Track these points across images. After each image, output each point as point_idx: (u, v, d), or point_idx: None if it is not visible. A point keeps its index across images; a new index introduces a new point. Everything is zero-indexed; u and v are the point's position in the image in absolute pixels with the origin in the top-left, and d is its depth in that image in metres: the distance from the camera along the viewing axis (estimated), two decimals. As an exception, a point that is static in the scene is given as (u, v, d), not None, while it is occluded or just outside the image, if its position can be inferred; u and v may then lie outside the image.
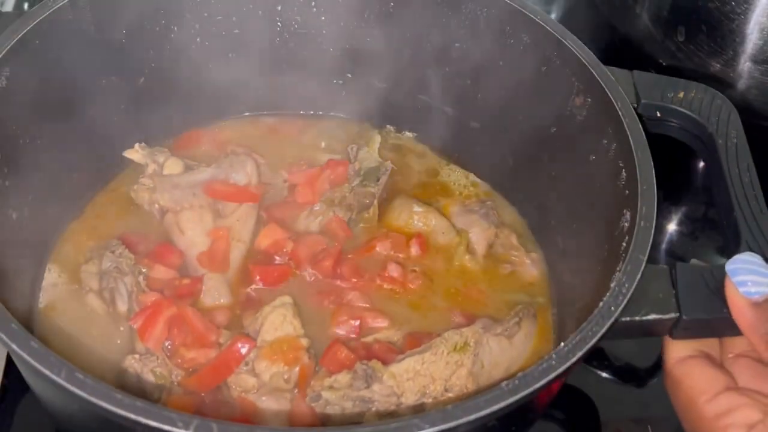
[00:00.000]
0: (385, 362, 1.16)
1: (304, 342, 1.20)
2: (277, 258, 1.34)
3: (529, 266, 1.39)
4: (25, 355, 0.89)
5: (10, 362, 1.26)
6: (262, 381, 1.16)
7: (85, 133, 1.33)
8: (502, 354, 1.22)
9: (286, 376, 1.17)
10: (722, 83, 1.62)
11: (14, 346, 0.90)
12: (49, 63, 1.23)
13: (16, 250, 1.22)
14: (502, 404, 0.88)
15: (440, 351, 1.16)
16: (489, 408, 0.88)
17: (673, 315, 1.05)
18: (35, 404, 1.19)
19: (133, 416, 0.84)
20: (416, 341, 1.22)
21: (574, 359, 0.94)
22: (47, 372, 0.87)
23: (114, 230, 1.36)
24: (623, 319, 1.01)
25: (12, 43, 1.17)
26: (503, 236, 1.41)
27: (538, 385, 0.91)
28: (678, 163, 1.64)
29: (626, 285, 1.01)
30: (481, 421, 0.88)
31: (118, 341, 1.22)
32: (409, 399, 1.13)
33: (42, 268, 1.30)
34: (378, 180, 1.43)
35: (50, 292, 1.28)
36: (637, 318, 1.04)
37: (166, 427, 0.83)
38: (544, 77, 1.32)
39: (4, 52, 1.16)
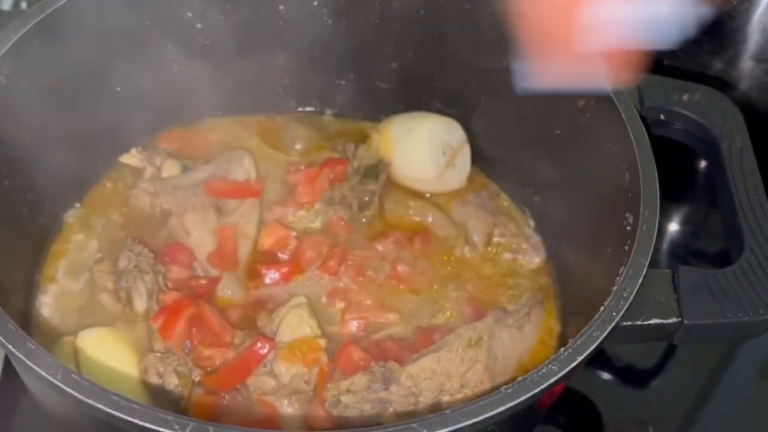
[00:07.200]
0: (399, 360, 1.15)
1: (322, 342, 1.19)
2: (280, 255, 1.34)
3: (530, 252, 1.39)
4: (21, 356, 0.89)
5: (9, 363, 1.25)
6: (281, 383, 1.15)
7: (85, 132, 1.32)
8: (514, 345, 1.21)
9: (306, 378, 1.16)
10: (724, 83, 1.60)
11: (11, 347, 0.90)
12: (49, 62, 1.23)
13: (15, 249, 1.22)
14: (501, 408, 0.88)
15: (455, 348, 1.15)
16: (488, 412, 0.87)
17: (674, 320, 1.04)
18: (34, 404, 1.19)
19: (129, 418, 0.83)
20: (426, 335, 1.23)
21: (574, 364, 0.93)
22: (43, 373, 0.87)
23: (114, 230, 1.35)
24: (624, 323, 1.01)
25: (12, 41, 1.17)
26: (502, 225, 1.41)
27: (537, 390, 0.90)
28: (680, 162, 1.62)
29: (628, 289, 1.01)
30: (480, 426, 0.87)
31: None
32: (427, 398, 1.12)
33: (40, 269, 1.30)
34: (377, 177, 1.42)
35: (49, 293, 1.27)
36: (638, 322, 1.03)
37: (162, 430, 0.82)
38: (548, 78, 1.32)
39: (4, 51, 1.16)
